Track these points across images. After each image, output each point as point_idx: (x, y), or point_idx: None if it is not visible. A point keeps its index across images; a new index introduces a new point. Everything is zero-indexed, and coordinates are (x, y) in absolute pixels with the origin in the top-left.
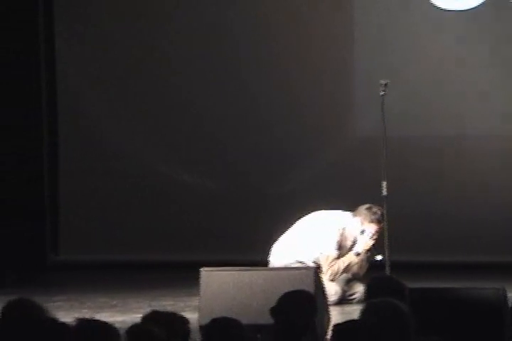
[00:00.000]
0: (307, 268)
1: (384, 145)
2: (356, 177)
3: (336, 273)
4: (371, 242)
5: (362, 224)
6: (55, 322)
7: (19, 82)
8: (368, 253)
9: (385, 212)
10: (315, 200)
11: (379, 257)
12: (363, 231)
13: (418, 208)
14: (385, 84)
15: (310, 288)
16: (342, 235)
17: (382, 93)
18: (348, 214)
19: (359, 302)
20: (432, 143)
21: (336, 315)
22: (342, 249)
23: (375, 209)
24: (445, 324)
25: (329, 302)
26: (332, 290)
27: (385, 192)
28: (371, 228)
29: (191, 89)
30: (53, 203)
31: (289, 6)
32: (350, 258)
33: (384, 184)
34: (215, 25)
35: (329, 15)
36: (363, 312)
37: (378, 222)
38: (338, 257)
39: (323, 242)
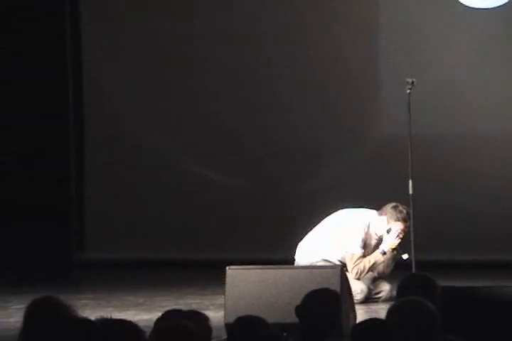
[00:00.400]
0: (333, 266)
1: (410, 143)
2: (383, 176)
3: (362, 272)
4: (397, 241)
5: (388, 222)
6: (81, 320)
7: (45, 82)
8: (394, 252)
9: (411, 210)
10: (341, 198)
11: (405, 256)
12: (388, 230)
13: (444, 207)
14: (412, 83)
15: (336, 286)
16: (367, 233)
17: (408, 91)
18: (373, 212)
19: (385, 300)
20: (458, 141)
21: (362, 314)
22: (367, 248)
23: (400, 208)
24: (477, 322)
25: (355, 301)
26: (358, 288)
27: (411, 190)
28: (397, 226)
29: (219, 86)
30: (79, 201)
31: (316, 6)
32: (376, 257)
33: (410, 182)
34: (238, 22)
35: (355, 14)
36: (390, 311)
37: (404, 220)
38: (364, 255)
39: (349, 241)
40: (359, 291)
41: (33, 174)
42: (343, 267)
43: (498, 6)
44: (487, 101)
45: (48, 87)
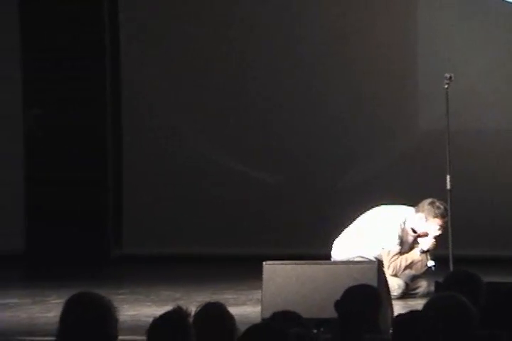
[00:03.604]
0: (370, 262)
1: (448, 138)
2: (420, 171)
3: (398, 269)
4: (434, 240)
5: (426, 219)
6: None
7: (84, 85)
8: (427, 254)
9: (448, 206)
10: (378, 194)
11: (430, 263)
12: (427, 234)
13: (483, 202)
14: (450, 78)
15: (373, 281)
16: (403, 230)
17: (446, 86)
18: (409, 208)
19: (422, 296)
20: (496, 136)
21: (399, 309)
22: (404, 244)
23: (438, 204)
24: None
25: (392, 297)
26: (395, 284)
27: (449, 185)
28: (435, 223)
29: (256, 84)
30: (117, 197)
31: (354, 3)
32: (414, 255)
33: (448, 178)
34: (273, 22)
35: (394, 9)
36: (426, 305)
37: (442, 216)
38: (401, 252)
39: (385, 237)
40: (396, 287)
41: (73, 171)
42: (380, 263)
43: None
44: None
45: (86, 92)
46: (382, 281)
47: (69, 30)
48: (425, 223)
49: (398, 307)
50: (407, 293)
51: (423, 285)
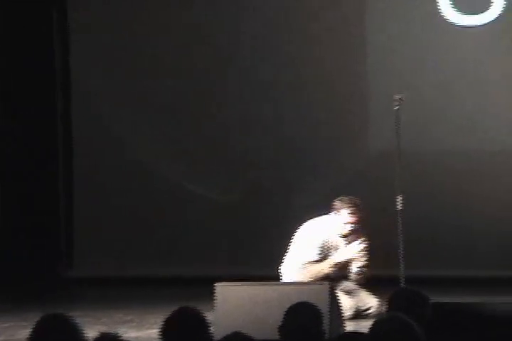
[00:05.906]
0: (322, 283)
1: (398, 159)
2: (371, 191)
3: (317, 274)
4: (349, 226)
5: (337, 213)
6: None
7: (33, 92)
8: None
9: (400, 226)
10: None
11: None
12: (351, 233)
13: (433, 222)
14: (400, 99)
15: (325, 302)
16: (328, 237)
17: (396, 107)
18: (331, 214)
19: (374, 316)
20: (447, 157)
21: (352, 330)
22: (331, 250)
23: (342, 197)
24: (464, 337)
25: (345, 317)
26: (347, 304)
27: (399, 206)
28: (344, 212)
29: (208, 98)
30: (68, 218)
31: (303, 22)
32: (324, 266)
33: (399, 198)
34: (225, 35)
35: (342, 30)
36: (372, 328)
37: (347, 203)
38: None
39: (304, 250)
40: (348, 307)
41: (21, 191)
42: (332, 284)
43: (487, 23)
44: (477, 117)
45: (36, 98)
46: (335, 302)
47: (18, 36)
48: (339, 217)
49: (350, 328)
50: (359, 314)
51: (374, 306)
